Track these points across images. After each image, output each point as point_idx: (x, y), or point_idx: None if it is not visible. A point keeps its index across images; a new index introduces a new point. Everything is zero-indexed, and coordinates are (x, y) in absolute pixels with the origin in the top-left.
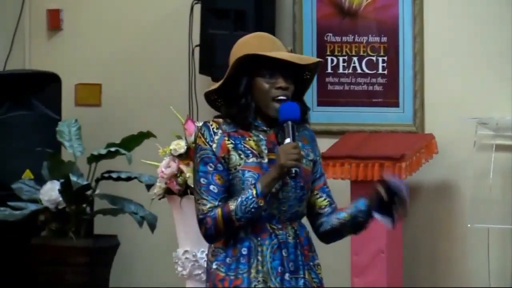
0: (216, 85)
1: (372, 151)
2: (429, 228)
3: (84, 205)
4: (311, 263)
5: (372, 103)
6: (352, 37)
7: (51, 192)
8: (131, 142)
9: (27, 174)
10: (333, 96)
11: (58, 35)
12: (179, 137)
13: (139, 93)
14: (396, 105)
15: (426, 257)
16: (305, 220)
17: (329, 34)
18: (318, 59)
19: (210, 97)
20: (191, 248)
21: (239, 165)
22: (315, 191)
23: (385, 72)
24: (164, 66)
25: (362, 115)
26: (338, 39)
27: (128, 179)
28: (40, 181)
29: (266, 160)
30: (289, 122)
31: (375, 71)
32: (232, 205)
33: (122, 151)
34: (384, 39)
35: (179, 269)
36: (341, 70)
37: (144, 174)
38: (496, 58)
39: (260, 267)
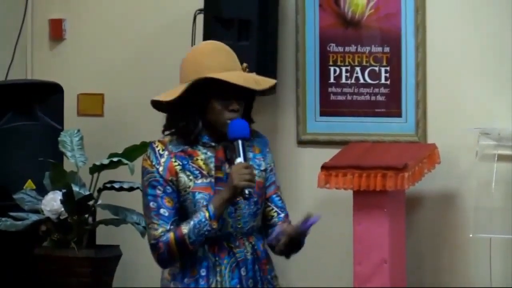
0: (166, 97)
1: (375, 161)
2: (432, 237)
3: (86, 216)
4: (269, 276)
5: (375, 113)
6: (355, 47)
7: (53, 202)
8: (134, 152)
9: (29, 184)
10: (335, 106)
11: (60, 45)
12: None
13: (142, 103)
14: (399, 115)
15: (429, 266)
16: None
17: (332, 44)
18: (274, 81)
19: (157, 104)
20: None
21: (189, 187)
22: (265, 201)
23: (388, 82)
24: (167, 76)
25: (365, 125)
26: (340, 49)
27: (131, 189)
28: (42, 191)
29: (212, 180)
30: (239, 141)
31: (377, 81)
32: (185, 229)
33: (125, 161)
34: (387, 49)
35: None
36: (343, 80)
37: None
38: (498, 68)
39: (219, 286)
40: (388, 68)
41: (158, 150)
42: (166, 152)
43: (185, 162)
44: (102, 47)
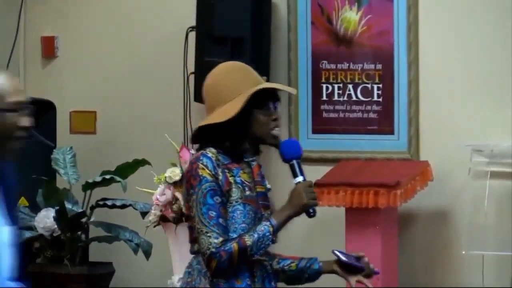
0: (216, 119)
1: (367, 179)
2: (424, 254)
3: (79, 233)
4: None
5: (367, 130)
6: (347, 64)
7: (46, 219)
8: (126, 169)
9: (22, 201)
10: (328, 124)
11: (53, 63)
12: (174, 165)
13: (134, 121)
14: (391, 132)
15: (421, 284)
16: None
17: (324, 61)
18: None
19: (199, 131)
20: None
21: (241, 198)
22: None
23: (380, 99)
24: (159, 93)
25: (357, 142)
26: (333, 66)
27: (123, 206)
28: (35, 208)
29: (254, 194)
30: (294, 161)
31: (370, 99)
32: (249, 241)
33: (117, 178)
34: (379, 66)
35: None
36: (336, 98)
37: (139, 202)
38: (491, 85)
39: None
40: (380, 85)
41: (215, 160)
42: (220, 163)
43: (236, 175)
44: (95, 64)
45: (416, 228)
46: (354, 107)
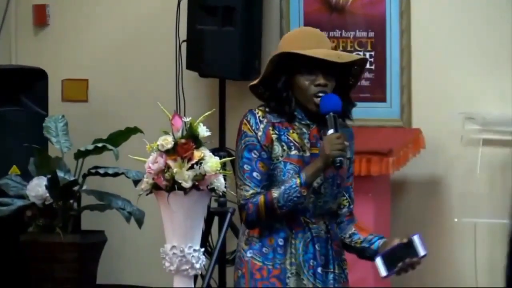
0: (257, 80)
1: (360, 146)
2: (417, 222)
3: (71, 201)
4: (339, 258)
5: (360, 98)
6: (340, 32)
7: (38, 188)
8: (118, 137)
9: (14, 170)
10: None
11: (44, 31)
12: (166, 133)
13: (126, 89)
14: (384, 100)
15: None
16: None
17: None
18: (359, 57)
19: (255, 90)
20: (178, 244)
21: (282, 156)
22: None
23: (373, 67)
24: (151, 61)
25: None
26: (325, 34)
27: (115, 174)
28: (27, 177)
29: (308, 154)
30: (331, 114)
31: None
32: (275, 193)
33: (109, 146)
34: (371, 34)
35: (167, 264)
36: None
37: (131, 170)
38: (483, 53)
39: (293, 260)
40: (372, 53)
41: (259, 116)
42: (265, 120)
43: (282, 133)
44: (86, 33)
45: (408, 196)
46: None
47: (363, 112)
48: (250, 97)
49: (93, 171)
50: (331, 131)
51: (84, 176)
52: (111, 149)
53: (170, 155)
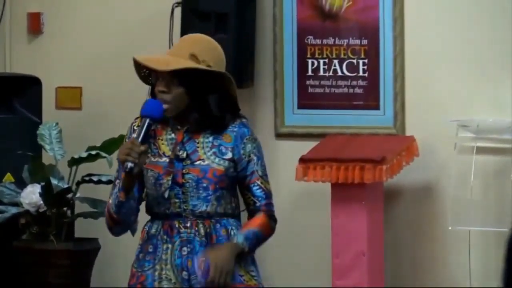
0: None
1: (353, 154)
2: (411, 230)
3: (65, 208)
4: None
5: (353, 105)
6: (333, 39)
7: (32, 195)
8: (112, 145)
9: (8, 177)
10: (313, 99)
11: (38, 39)
12: None
13: (120, 96)
14: (377, 107)
15: (407, 259)
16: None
17: (310, 36)
18: (183, 65)
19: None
20: None
21: (145, 163)
22: (244, 189)
23: (366, 74)
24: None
25: (343, 117)
26: (318, 41)
27: (109, 182)
28: (21, 184)
29: (167, 160)
30: (146, 120)
31: (355, 74)
32: (110, 200)
33: (103, 154)
34: (365, 41)
35: None
36: (321, 73)
37: None
38: (477, 60)
39: (163, 265)
40: (366, 61)
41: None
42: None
43: (151, 141)
44: (80, 40)
45: (402, 203)
46: (339, 83)
47: (356, 119)
48: (241, 104)
49: (86, 178)
50: (134, 135)
51: (78, 183)
52: (104, 157)
53: None
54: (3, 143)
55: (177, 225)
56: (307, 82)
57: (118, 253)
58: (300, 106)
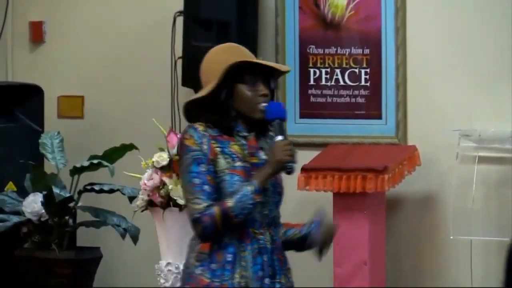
0: (199, 94)
1: (355, 163)
2: (412, 239)
3: (67, 217)
4: (285, 268)
5: (355, 115)
6: (335, 49)
7: (33, 204)
8: (114, 154)
9: (10, 186)
10: (315, 108)
11: (40, 48)
12: (161, 149)
13: (122, 105)
14: (379, 117)
15: (409, 268)
16: None
17: (312, 46)
18: (289, 68)
19: (188, 107)
20: (173, 260)
21: (227, 168)
22: None
23: (368, 84)
24: (147, 78)
25: (345, 127)
26: (320, 51)
27: (111, 191)
28: (23, 193)
29: (249, 165)
30: (278, 121)
31: (357, 83)
32: (230, 202)
33: (105, 163)
34: (367, 51)
35: (162, 281)
36: (323, 82)
37: (127, 187)
38: (479, 70)
39: (243, 273)
40: (368, 70)
41: (200, 131)
42: (207, 134)
43: (224, 146)
44: (82, 49)
45: (403, 213)
46: (341, 92)
47: (359, 129)
48: None
49: (88, 187)
50: (279, 138)
51: (80, 192)
52: (106, 166)
53: (166, 171)
54: (5, 152)
55: (251, 232)
56: (309, 92)
57: (119, 262)
58: (302, 116)
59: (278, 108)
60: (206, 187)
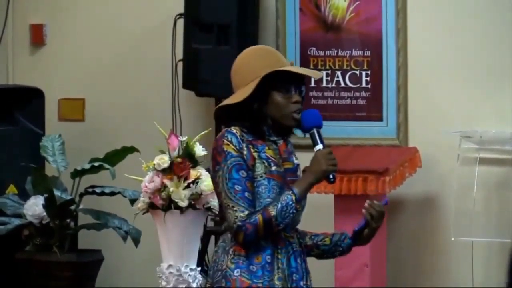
0: (232, 100)
1: (356, 165)
2: (413, 241)
3: (68, 220)
4: (308, 270)
5: (356, 117)
6: (336, 51)
7: (35, 207)
8: (115, 157)
9: (11, 189)
10: None
11: (41, 50)
12: (162, 152)
13: (123, 108)
14: (380, 119)
15: (410, 270)
16: None
17: (313, 48)
18: (321, 74)
19: (219, 112)
20: (175, 263)
21: (265, 173)
22: None
23: (369, 86)
24: (147, 80)
25: (346, 129)
26: (321, 53)
27: (112, 194)
28: (24, 196)
29: (283, 169)
30: (315, 129)
31: (358, 85)
32: (273, 211)
33: (106, 166)
34: (368, 53)
35: (163, 283)
36: (324, 84)
37: (128, 189)
38: (480, 71)
39: (280, 275)
40: (369, 72)
41: (239, 136)
42: (245, 139)
43: (260, 150)
44: (83, 52)
45: (404, 214)
46: (342, 94)
47: (359, 131)
48: None
49: (89, 190)
50: (319, 147)
51: (81, 195)
52: (107, 168)
53: (167, 174)
54: (6, 154)
55: (283, 236)
56: (310, 94)
57: (121, 265)
58: None
59: (314, 116)
60: (247, 194)
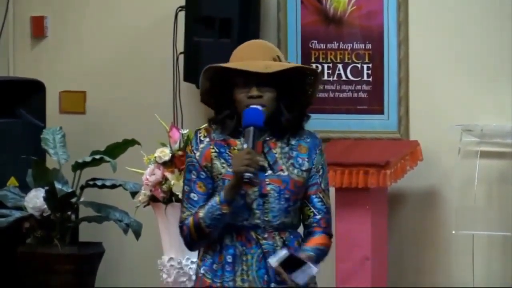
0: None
1: (357, 158)
2: (414, 234)
3: (69, 213)
4: None
5: (357, 110)
6: (337, 44)
7: (36, 199)
8: (116, 149)
9: (12, 181)
10: (317, 104)
11: (42, 43)
12: (163, 145)
13: (124, 101)
14: (381, 112)
15: (411, 263)
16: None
17: (314, 41)
18: (292, 65)
19: (206, 101)
20: (176, 256)
21: (221, 173)
22: (304, 200)
23: (370, 79)
24: (149, 73)
25: (347, 122)
26: (322, 46)
27: (113, 186)
28: (25, 188)
29: None
30: (251, 128)
31: (360, 78)
32: (201, 213)
33: (107, 158)
34: (369, 46)
35: (164, 276)
36: (325, 77)
37: (129, 182)
38: (481, 65)
39: (245, 276)
40: (370, 65)
41: (200, 137)
42: (207, 139)
43: (223, 150)
44: (84, 44)
45: (406, 208)
46: (343, 87)
47: (361, 124)
48: None
49: (90, 183)
50: (245, 146)
51: (82, 188)
52: (108, 161)
53: (168, 167)
54: (7, 147)
55: (254, 236)
56: None
57: (121, 257)
58: None
59: (253, 114)
60: (192, 195)
